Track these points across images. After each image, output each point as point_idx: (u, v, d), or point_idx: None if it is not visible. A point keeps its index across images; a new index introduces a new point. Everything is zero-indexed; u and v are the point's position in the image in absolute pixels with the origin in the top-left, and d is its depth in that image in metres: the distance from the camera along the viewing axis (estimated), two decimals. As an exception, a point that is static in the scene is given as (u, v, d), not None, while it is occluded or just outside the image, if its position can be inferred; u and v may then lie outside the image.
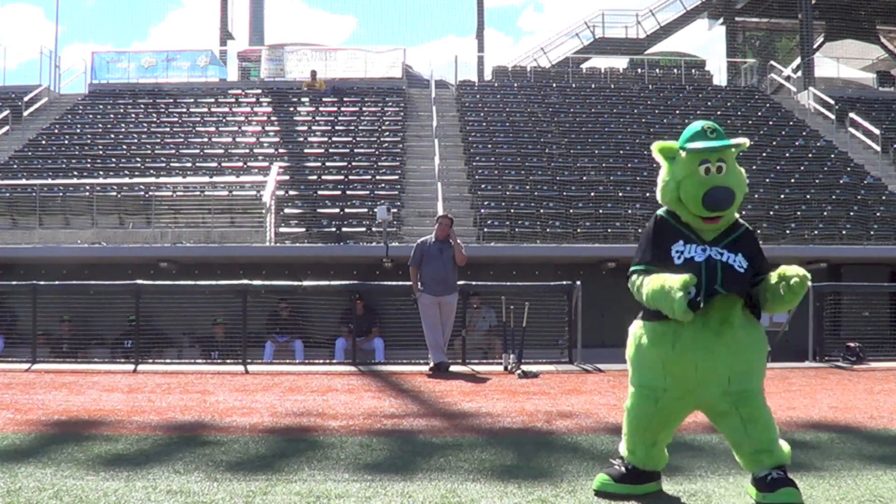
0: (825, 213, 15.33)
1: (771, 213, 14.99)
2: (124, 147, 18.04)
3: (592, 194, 15.81)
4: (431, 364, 8.56)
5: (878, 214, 15.48)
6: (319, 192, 15.84)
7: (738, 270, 3.26)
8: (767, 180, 16.64)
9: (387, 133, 19.11)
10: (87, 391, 7.01)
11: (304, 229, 14.32)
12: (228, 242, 13.56)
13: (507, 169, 17.14)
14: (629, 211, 14.86)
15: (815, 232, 14.58)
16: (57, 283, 10.10)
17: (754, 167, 17.09)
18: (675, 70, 25.53)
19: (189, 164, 16.82)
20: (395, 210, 14.48)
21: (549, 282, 10.46)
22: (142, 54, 23.68)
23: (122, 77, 22.65)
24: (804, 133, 19.73)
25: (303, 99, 21.14)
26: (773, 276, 3.25)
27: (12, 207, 14.68)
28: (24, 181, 15.45)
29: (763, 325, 3.43)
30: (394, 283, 10.50)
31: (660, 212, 3.48)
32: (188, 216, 14.53)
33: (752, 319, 3.35)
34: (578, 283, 9.59)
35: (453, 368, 8.64)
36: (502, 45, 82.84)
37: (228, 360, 9.72)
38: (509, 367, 8.66)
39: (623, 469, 3.53)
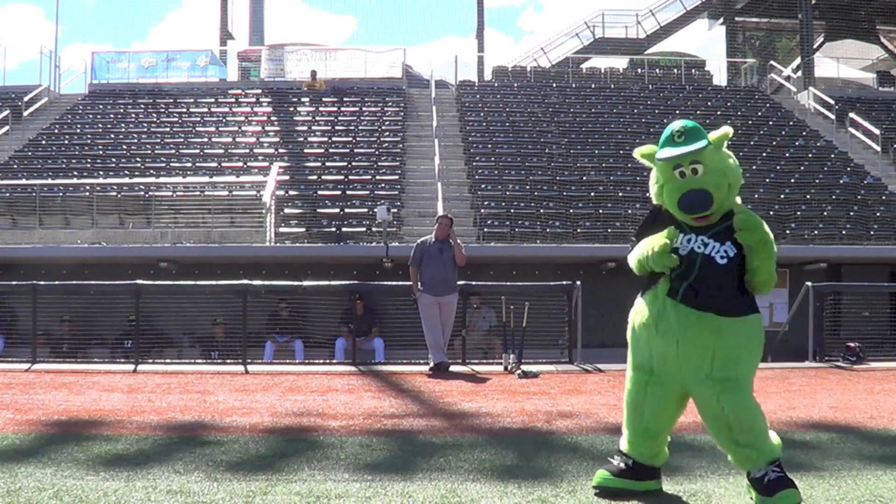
0: (825, 213, 15.33)
1: (771, 213, 14.98)
2: (124, 147, 18.04)
3: (592, 194, 15.81)
4: (431, 364, 8.56)
5: (878, 214, 15.48)
6: (319, 192, 15.84)
7: (720, 262, 3.28)
8: (767, 180, 16.64)
9: (387, 133, 19.11)
10: (87, 391, 7.01)
11: (304, 229, 14.32)
12: (228, 242, 13.55)
13: (507, 169, 17.14)
14: (629, 211, 14.85)
15: (815, 232, 14.58)
16: (57, 283, 10.10)
17: (754, 167, 17.10)
18: (675, 70, 25.53)
19: (189, 164, 16.82)
20: (395, 210, 14.48)
21: (549, 282, 10.46)
22: (142, 54, 23.67)
23: (122, 77, 22.64)
24: (804, 133, 19.72)
25: (303, 99, 21.13)
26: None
27: (12, 207, 14.67)
28: (24, 181, 15.44)
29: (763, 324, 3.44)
30: (394, 283, 10.49)
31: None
32: (188, 216, 14.52)
33: (741, 306, 3.32)
34: (578, 283, 9.59)
35: (453, 368, 8.64)
36: (502, 45, 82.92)
37: (228, 360, 9.71)
38: (509, 367, 8.66)
39: (622, 465, 3.54)
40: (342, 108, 20.53)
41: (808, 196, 16.11)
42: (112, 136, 18.77)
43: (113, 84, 22.33)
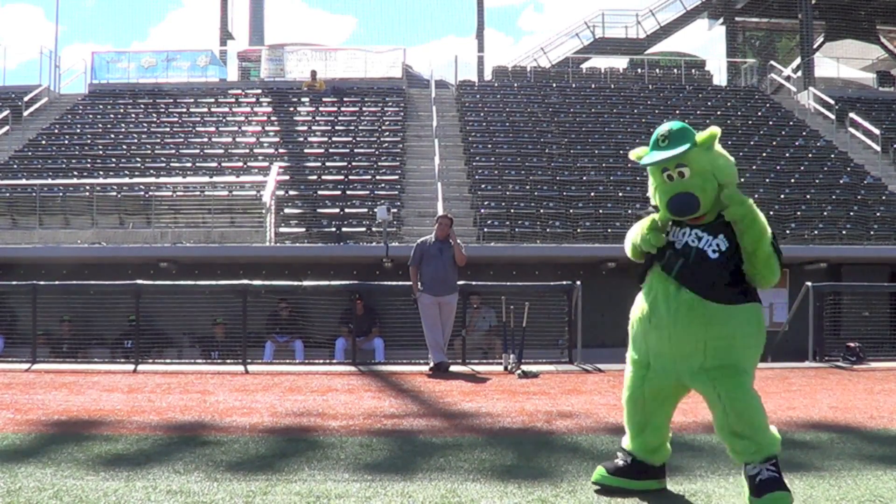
0: (825, 213, 15.33)
1: (771, 213, 14.97)
2: (124, 147, 18.04)
3: (592, 194, 15.82)
4: (431, 364, 8.56)
5: (878, 214, 15.48)
6: (319, 192, 15.84)
7: (711, 256, 3.28)
8: (767, 180, 16.65)
9: (387, 133, 19.11)
10: (87, 391, 7.00)
11: (304, 229, 14.32)
12: (228, 242, 13.55)
13: (507, 169, 17.14)
14: (629, 211, 14.84)
15: (815, 232, 14.58)
16: (57, 283, 10.10)
17: (754, 167, 17.11)
18: (675, 70, 25.53)
19: (189, 164, 16.82)
20: (395, 210, 14.48)
21: (549, 282, 10.46)
22: (142, 54, 23.67)
23: (122, 77, 22.64)
24: (804, 133, 19.73)
25: (303, 99, 21.14)
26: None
27: (12, 207, 14.67)
28: (24, 181, 15.44)
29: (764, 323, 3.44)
30: (394, 283, 10.49)
31: None
32: (188, 216, 14.52)
33: (732, 295, 3.29)
34: (578, 283, 9.58)
35: (453, 368, 8.64)
36: (502, 45, 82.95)
37: (228, 360, 9.71)
38: (509, 367, 8.66)
39: (620, 463, 3.55)
40: (342, 108, 20.54)
41: (808, 196, 16.11)
42: (112, 136, 18.77)
43: (113, 84, 22.34)
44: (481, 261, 11.78)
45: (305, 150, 18.10)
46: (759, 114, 20.99)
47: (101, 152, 17.72)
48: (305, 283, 10.18)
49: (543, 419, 5.53)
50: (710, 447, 4.41)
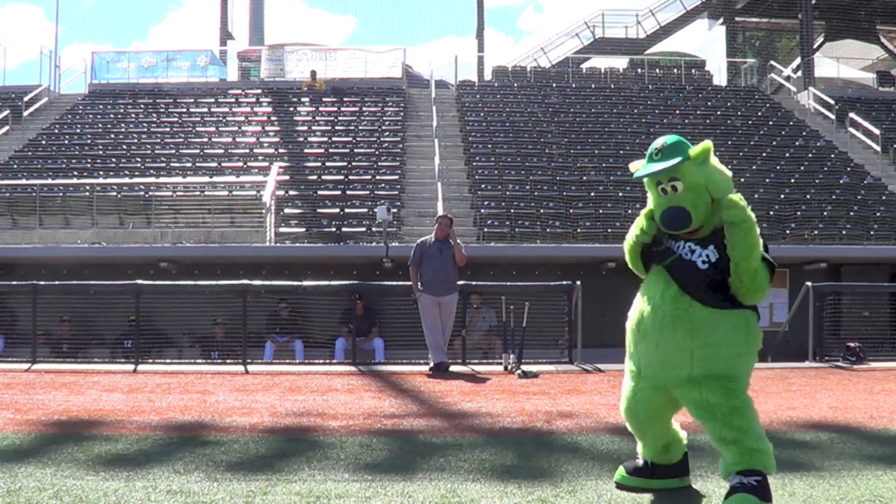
0: (825, 213, 15.32)
1: (771, 213, 14.98)
2: (124, 147, 18.04)
3: (592, 194, 15.81)
4: (431, 364, 8.56)
5: (878, 214, 15.47)
6: (319, 192, 15.84)
7: (700, 267, 3.26)
8: (767, 180, 16.62)
9: (387, 133, 19.11)
10: (87, 391, 7.01)
11: (304, 229, 14.32)
12: (228, 242, 13.55)
13: (507, 169, 17.14)
14: (629, 211, 14.83)
15: (815, 232, 14.57)
16: (57, 283, 10.10)
17: (754, 167, 17.09)
18: (675, 70, 25.53)
19: (189, 164, 16.82)
20: (395, 210, 14.48)
21: (549, 282, 10.46)
22: (142, 54, 23.67)
23: (122, 77, 22.64)
24: (804, 133, 19.72)
25: (303, 99, 21.13)
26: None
27: (12, 207, 14.67)
28: (24, 181, 15.44)
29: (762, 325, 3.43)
30: (394, 283, 10.49)
31: None
32: (188, 216, 14.52)
33: (720, 301, 3.24)
34: (578, 283, 9.59)
35: (453, 368, 8.64)
36: (502, 45, 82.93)
37: (228, 360, 9.72)
38: (509, 367, 8.66)
39: (640, 463, 3.58)
40: (342, 108, 20.53)
41: (808, 196, 16.10)
42: (112, 136, 18.77)
43: (113, 84, 22.33)
44: (481, 261, 11.78)
45: (305, 150, 18.10)
46: (759, 114, 20.98)
47: (101, 152, 17.72)
48: (305, 283, 10.18)
49: (543, 419, 5.54)
50: (711, 447, 4.39)
